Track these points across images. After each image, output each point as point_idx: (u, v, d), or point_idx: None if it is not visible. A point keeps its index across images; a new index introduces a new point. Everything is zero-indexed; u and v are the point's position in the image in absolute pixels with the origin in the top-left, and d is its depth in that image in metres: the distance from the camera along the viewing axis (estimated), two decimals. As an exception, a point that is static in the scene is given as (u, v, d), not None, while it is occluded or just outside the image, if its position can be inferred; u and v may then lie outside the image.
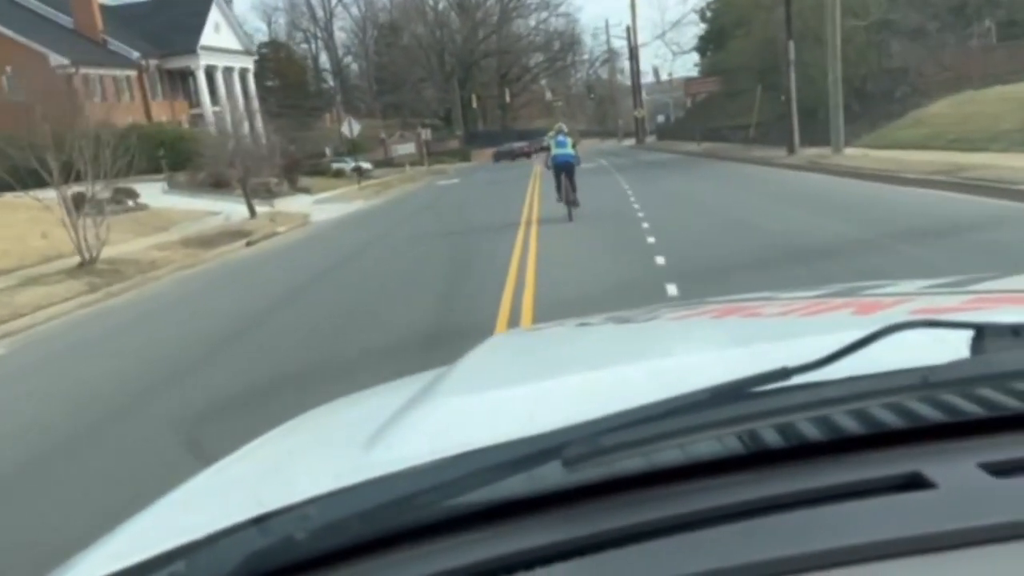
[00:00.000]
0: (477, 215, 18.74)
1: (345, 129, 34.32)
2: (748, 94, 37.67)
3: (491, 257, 11.19)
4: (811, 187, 15.97)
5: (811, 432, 0.72)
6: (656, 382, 0.89)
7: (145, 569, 0.70)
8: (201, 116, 43.32)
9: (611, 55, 79.94)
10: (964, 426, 0.72)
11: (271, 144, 29.01)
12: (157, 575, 0.69)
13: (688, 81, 34.22)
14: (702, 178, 21.04)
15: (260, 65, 77.65)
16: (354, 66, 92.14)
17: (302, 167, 42.87)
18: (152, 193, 29.14)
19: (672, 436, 0.66)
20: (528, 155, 59.04)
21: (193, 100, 44.69)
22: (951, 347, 0.74)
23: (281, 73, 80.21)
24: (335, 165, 56.82)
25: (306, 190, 34.59)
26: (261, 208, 29.02)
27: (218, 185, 31.28)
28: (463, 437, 0.79)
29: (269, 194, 31.51)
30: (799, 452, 0.71)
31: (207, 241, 19.39)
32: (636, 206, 15.74)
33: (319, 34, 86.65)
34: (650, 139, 55.98)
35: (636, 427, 0.66)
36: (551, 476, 0.68)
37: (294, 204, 30.02)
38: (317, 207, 28.87)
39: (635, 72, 56.03)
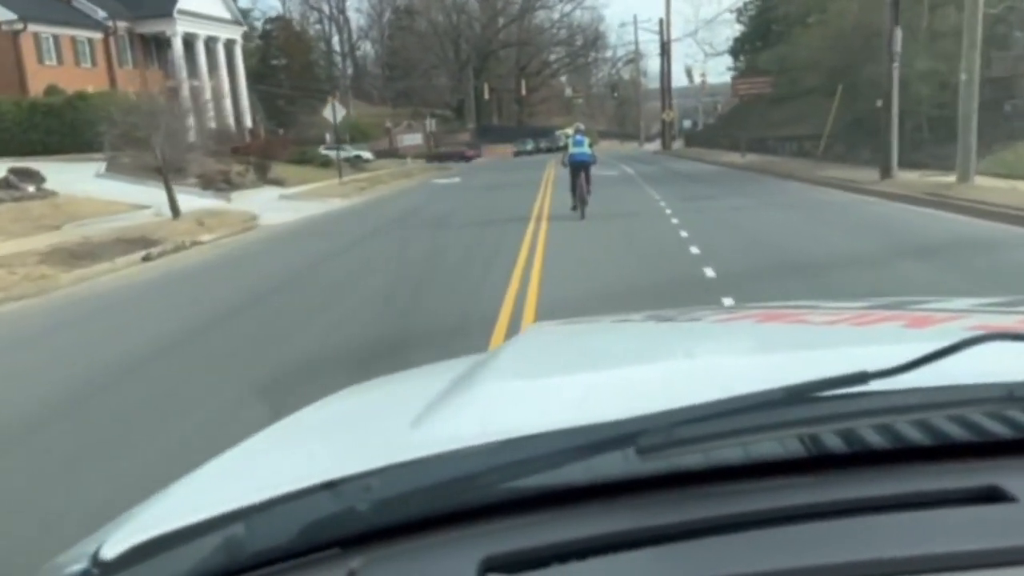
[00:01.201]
0: (460, 240, 13.10)
1: (328, 113, 28.68)
2: (805, 98, 31.83)
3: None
4: (991, 242, 10.09)
5: (887, 439, 0.70)
6: (716, 380, 0.87)
7: (202, 530, 0.69)
8: (176, 89, 37.76)
9: (637, 55, 74.04)
10: None
11: (217, 126, 23.36)
12: (214, 536, 0.68)
13: (736, 79, 28.34)
14: (775, 205, 15.20)
15: (265, 42, 72.37)
16: (370, 50, 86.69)
17: (278, 154, 37.38)
18: (81, 177, 23.60)
19: (747, 433, 0.66)
20: (468, 159, 52.37)
21: (170, 71, 39.11)
22: None
23: (288, 52, 74.78)
24: (327, 153, 51.35)
25: (278, 182, 29.03)
26: (213, 202, 23.47)
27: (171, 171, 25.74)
28: (515, 421, 0.77)
29: (228, 185, 25.97)
30: (873, 458, 0.70)
31: (88, 252, 13.81)
32: (694, 250, 10.11)
33: (332, 13, 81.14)
34: (677, 145, 50.19)
35: (712, 421, 0.65)
36: (623, 463, 0.67)
37: (255, 199, 24.45)
38: (280, 205, 23.29)
39: (666, 69, 50.21)
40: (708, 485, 0.69)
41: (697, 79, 50.88)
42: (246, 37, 68.58)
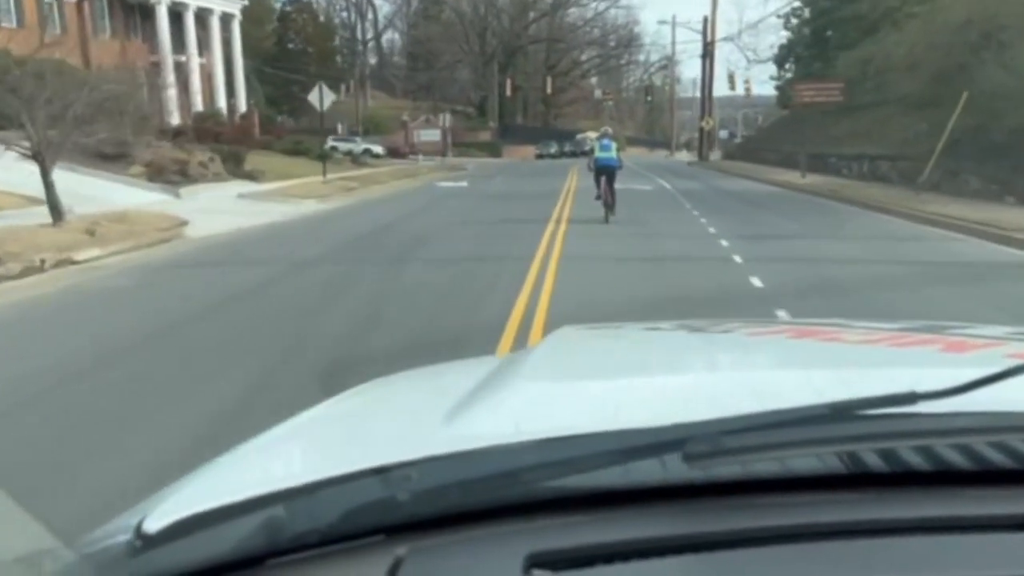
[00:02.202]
0: (421, 290, 8.26)
1: (313, 98, 23.96)
2: (874, 111, 26.78)
3: None
4: None
5: (932, 461, 0.69)
6: (750, 392, 0.86)
7: (245, 509, 0.69)
8: (159, 64, 33.26)
9: (672, 58, 68.94)
10: None
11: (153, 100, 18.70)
12: (256, 516, 0.68)
13: (798, 83, 23.24)
14: (909, 260, 10.18)
15: (283, 25, 68.03)
16: (397, 40, 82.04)
17: (270, 143, 32.83)
18: (-5, 158, 19.11)
19: (797, 446, 0.65)
20: (403, 155, 43.54)
21: (157, 45, 34.53)
22: None
23: (307, 37, 70.38)
24: (333, 144, 46.70)
25: (252, 176, 24.33)
26: (155, 198, 18.84)
27: (106, 157, 21.14)
28: (551, 422, 0.77)
29: (183, 178, 21.29)
30: (914, 479, 0.70)
31: None
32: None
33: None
34: (714, 156, 45.06)
35: (759, 432, 0.65)
36: (663, 470, 0.67)
37: (209, 196, 19.78)
38: (234, 206, 18.58)
39: (708, 72, 44.97)
40: (749, 496, 0.68)
41: (740, 86, 45.72)
42: (261, 19, 64.42)
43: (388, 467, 0.70)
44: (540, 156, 58.01)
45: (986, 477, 0.69)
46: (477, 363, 1.27)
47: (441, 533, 0.67)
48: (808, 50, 44.66)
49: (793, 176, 25.80)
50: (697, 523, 0.65)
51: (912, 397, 0.65)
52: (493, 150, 60.67)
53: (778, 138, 41.20)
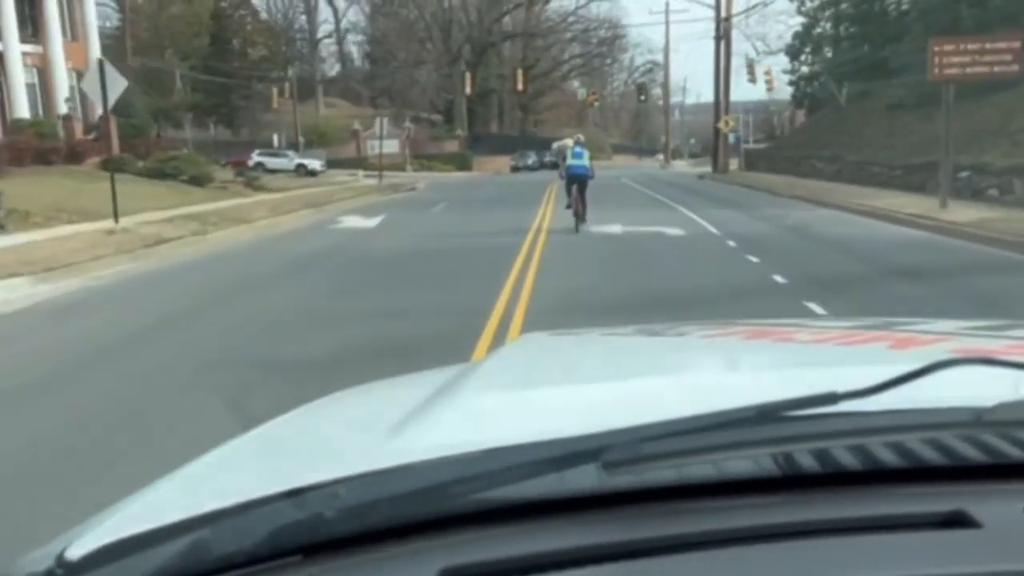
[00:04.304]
0: None
1: (88, 86, 13.36)
2: (997, 97, 16.48)
3: None
4: None
5: (855, 460, 0.69)
6: (690, 396, 0.87)
7: (169, 533, 0.67)
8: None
9: (666, 51, 58.70)
10: (1012, 468, 0.69)
11: None
12: (180, 539, 0.66)
13: (939, 43, 13.77)
14: None
15: (217, 24, 57.48)
16: (366, 45, 71.42)
17: (127, 163, 22.11)
18: None
19: (715, 450, 0.64)
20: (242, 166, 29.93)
21: (-37, 26, 23.77)
22: (1001, 389, 0.71)
23: (246, 37, 59.81)
24: (261, 160, 36.23)
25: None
26: None
27: None
28: (492, 433, 0.76)
29: None
30: (840, 480, 0.69)
31: None
32: None
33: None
34: (731, 166, 34.60)
35: (679, 437, 0.64)
36: (588, 478, 0.65)
37: None
38: None
39: (724, 60, 34.47)
40: (678, 501, 0.67)
41: (762, 79, 35.36)
42: (198, 15, 53.76)
43: (315, 485, 0.67)
44: (516, 168, 48.01)
45: (910, 474, 0.68)
46: (436, 374, 1.20)
47: (357, 552, 0.64)
48: (845, 29, 34.70)
49: (911, 202, 15.31)
50: (620, 531, 0.62)
51: (833, 397, 0.63)
52: (462, 162, 50.31)
53: (818, 143, 30.87)
